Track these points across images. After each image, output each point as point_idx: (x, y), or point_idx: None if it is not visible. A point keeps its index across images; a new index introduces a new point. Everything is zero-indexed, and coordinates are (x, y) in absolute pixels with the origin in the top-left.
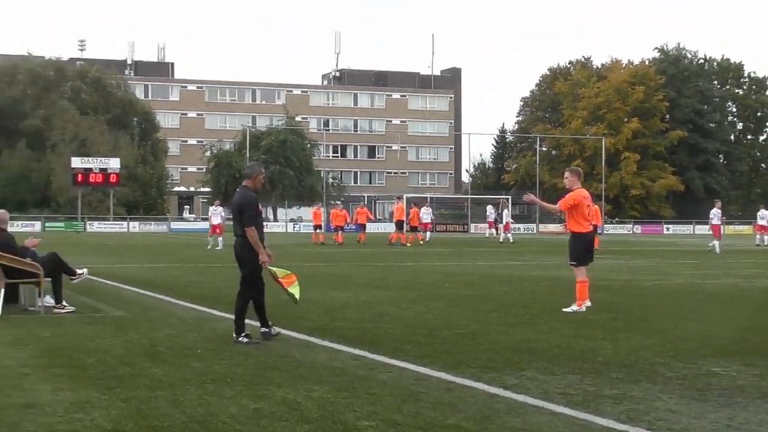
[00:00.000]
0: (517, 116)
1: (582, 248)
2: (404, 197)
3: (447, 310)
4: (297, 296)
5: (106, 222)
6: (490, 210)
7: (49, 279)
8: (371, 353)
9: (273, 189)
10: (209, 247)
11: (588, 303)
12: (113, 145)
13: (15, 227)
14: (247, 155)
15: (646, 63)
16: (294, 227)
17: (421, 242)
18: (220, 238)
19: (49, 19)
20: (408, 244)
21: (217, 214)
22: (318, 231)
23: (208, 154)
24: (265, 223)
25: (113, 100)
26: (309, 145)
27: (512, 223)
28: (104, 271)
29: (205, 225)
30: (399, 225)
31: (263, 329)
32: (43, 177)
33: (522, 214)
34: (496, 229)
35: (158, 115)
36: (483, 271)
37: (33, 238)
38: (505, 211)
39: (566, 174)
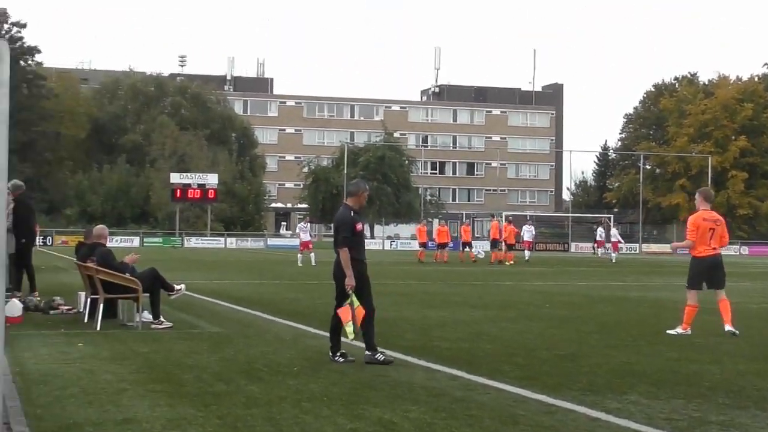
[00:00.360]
0: (620, 133)
1: (695, 272)
2: (503, 215)
3: (547, 331)
4: (349, 336)
5: (203, 238)
6: (600, 230)
7: (148, 294)
8: (469, 374)
9: (370, 206)
10: (300, 264)
11: (688, 331)
12: (211, 160)
13: (113, 242)
14: (345, 171)
15: (755, 79)
16: (391, 245)
17: (510, 262)
18: (312, 255)
19: (151, 35)
20: (508, 263)
21: (306, 231)
22: (423, 249)
23: (305, 170)
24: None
25: (212, 115)
26: (407, 162)
27: (621, 242)
28: (201, 287)
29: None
30: (494, 244)
31: (368, 353)
32: (142, 192)
33: (624, 233)
34: (604, 247)
35: (256, 131)
36: (584, 292)
37: (133, 255)
38: (614, 230)
39: (696, 195)
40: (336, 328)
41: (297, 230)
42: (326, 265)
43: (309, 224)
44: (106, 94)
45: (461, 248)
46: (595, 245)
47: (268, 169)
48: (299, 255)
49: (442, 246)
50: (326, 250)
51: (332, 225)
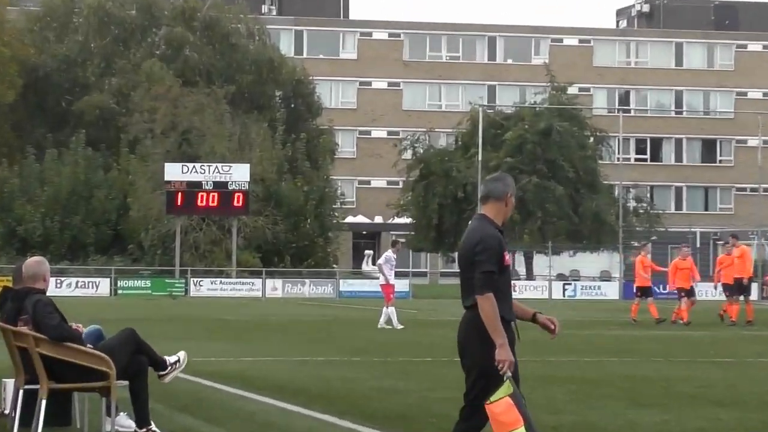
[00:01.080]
0: None
1: None
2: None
3: None
4: None
5: (225, 280)
6: None
7: (126, 382)
8: None
9: (525, 219)
10: (399, 324)
11: None
12: (239, 140)
13: (61, 289)
14: (479, 158)
15: None
16: (564, 290)
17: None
18: (391, 309)
19: None
20: None
21: (393, 267)
22: (642, 299)
23: (407, 154)
24: (514, 282)
25: (240, 58)
26: (592, 139)
27: None
28: (222, 370)
29: (400, 285)
30: (740, 287)
31: None
32: (115, 198)
33: None
34: None
35: (319, 86)
36: None
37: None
38: None
39: None
40: None
41: (382, 261)
42: (441, 327)
43: (396, 254)
44: (51, 23)
45: (732, 296)
46: None
47: (341, 154)
48: (389, 308)
49: (684, 293)
50: (442, 301)
51: (459, 255)
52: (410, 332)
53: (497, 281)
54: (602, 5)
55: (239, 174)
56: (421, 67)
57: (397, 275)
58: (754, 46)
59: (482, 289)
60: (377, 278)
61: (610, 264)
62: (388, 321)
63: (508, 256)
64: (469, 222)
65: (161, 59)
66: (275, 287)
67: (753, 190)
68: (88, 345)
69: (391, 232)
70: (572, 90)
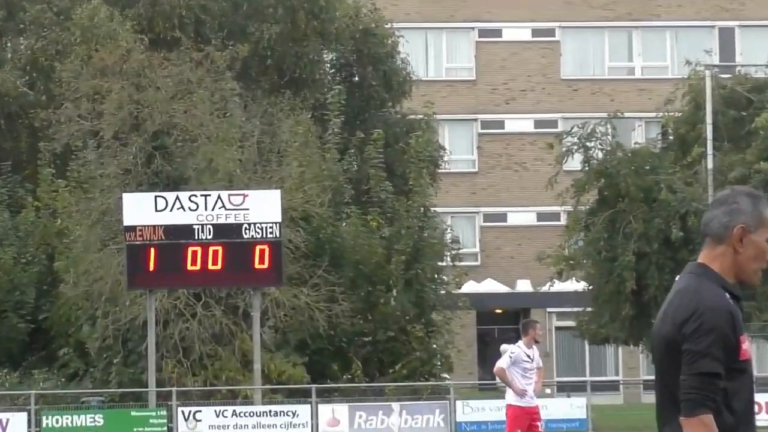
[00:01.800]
0: None
1: None
2: None
3: None
4: None
5: (241, 408)
6: None
7: None
8: None
9: None
10: None
11: None
12: (258, 145)
13: None
14: (706, 165)
15: None
16: None
17: None
18: None
19: None
20: None
21: (524, 369)
22: None
23: (575, 163)
24: (758, 391)
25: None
26: None
27: None
28: None
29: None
30: None
31: None
32: (33, 261)
33: None
34: None
35: (405, 42)
36: None
37: None
38: None
39: None
40: None
41: (504, 364)
42: None
43: (535, 347)
44: None
45: None
46: None
47: (452, 166)
48: None
49: None
50: None
51: (656, 342)
52: None
53: (724, 391)
54: None
55: (262, 209)
56: (593, 1)
57: (560, 389)
58: None
59: (692, 407)
60: (528, 398)
61: None
62: None
63: (746, 345)
64: (676, 279)
65: (110, 2)
66: (336, 418)
67: None
68: None
69: (548, 309)
70: None
